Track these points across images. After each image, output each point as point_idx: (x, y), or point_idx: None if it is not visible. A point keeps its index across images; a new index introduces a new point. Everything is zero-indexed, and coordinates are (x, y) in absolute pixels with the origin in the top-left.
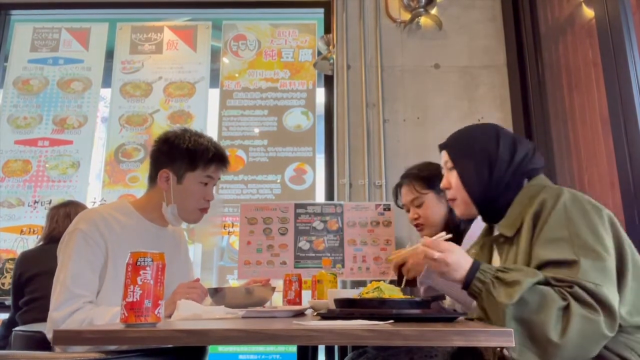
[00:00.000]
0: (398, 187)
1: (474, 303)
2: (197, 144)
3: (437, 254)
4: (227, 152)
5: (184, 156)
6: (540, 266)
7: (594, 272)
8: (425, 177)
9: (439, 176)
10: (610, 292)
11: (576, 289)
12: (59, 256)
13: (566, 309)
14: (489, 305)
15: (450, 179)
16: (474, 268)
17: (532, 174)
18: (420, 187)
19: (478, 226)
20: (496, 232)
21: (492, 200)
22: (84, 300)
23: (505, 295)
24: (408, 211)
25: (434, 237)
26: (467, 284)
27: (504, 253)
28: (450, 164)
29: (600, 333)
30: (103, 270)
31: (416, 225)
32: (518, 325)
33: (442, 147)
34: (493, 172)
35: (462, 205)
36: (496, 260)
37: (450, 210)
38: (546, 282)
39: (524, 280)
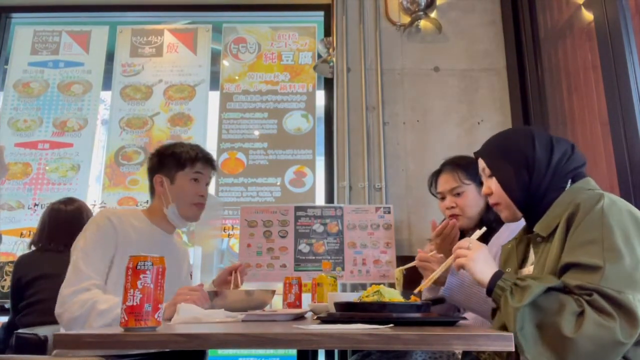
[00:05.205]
0: (438, 173)
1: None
2: (180, 148)
3: (463, 261)
4: (212, 155)
5: (170, 159)
6: (565, 268)
7: (619, 279)
8: (472, 168)
9: None
10: (635, 299)
11: (595, 296)
12: (74, 247)
13: (580, 314)
14: (504, 311)
15: (491, 185)
16: (497, 276)
17: (576, 174)
18: (465, 177)
19: (506, 230)
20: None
21: (535, 203)
22: (92, 282)
23: (517, 300)
24: (442, 199)
25: (472, 236)
26: (489, 291)
27: (539, 252)
28: (488, 171)
29: (614, 340)
30: (112, 261)
31: (451, 215)
32: (534, 329)
33: (477, 154)
34: (532, 175)
35: (507, 210)
36: (532, 258)
37: (487, 207)
38: (568, 290)
39: (535, 285)
